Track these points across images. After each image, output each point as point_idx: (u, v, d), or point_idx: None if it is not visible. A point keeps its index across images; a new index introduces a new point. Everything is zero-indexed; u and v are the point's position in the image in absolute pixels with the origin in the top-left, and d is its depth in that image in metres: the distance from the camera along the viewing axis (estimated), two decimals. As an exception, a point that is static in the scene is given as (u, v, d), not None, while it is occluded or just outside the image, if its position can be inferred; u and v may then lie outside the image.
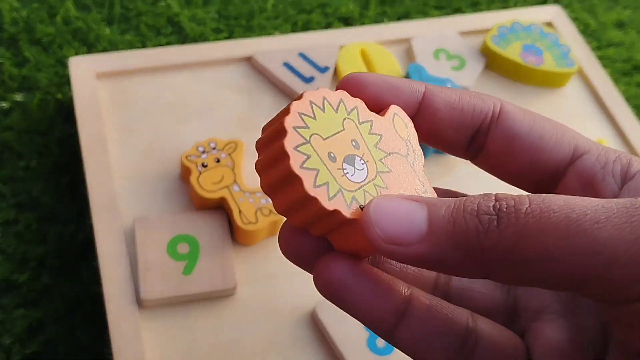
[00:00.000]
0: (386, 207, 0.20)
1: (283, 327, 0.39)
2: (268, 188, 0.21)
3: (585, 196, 0.19)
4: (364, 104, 0.23)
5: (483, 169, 0.26)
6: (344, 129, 0.22)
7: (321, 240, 0.22)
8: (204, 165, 0.42)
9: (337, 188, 0.20)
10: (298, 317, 0.39)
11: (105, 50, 0.52)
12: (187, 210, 0.42)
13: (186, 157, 0.42)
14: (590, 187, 0.23)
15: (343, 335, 0.38)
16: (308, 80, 0.49)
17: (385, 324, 0.22)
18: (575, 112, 0.52)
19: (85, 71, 0.46)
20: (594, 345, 0.22)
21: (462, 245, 0.19)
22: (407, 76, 0.50)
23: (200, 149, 0.42)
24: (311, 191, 0.20)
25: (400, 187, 0.22)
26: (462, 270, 0.20)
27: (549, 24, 0.57)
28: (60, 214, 0.44)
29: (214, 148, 0.43)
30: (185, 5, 0.57)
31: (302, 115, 0.21)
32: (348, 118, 0.22)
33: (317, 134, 0.21)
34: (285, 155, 0.20)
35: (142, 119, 0.46)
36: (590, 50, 0.56)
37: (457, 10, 0.63)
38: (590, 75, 0.54)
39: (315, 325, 0.39)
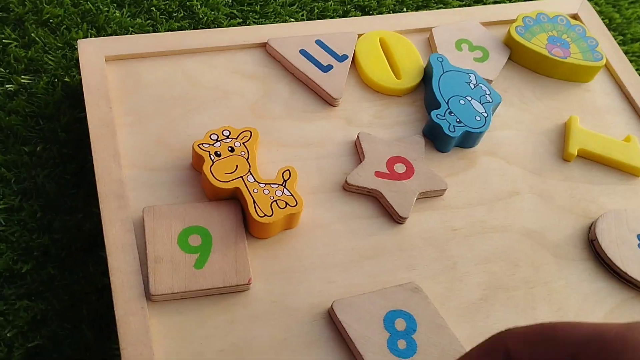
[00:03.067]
0: None
1: (298, 326, 0.37)
2: None
3: None
4: None
5: None
6: None
7: None
8: (217, 154, 0.40)
9: None
10: (314, 315, 0.37)
11: (115, 34, 0.50)
12: (198, 200, 0.40)
13: (199, 145, 0.40)
14: None
15: (362, 335, 0.36)
16: (326, 69, 0.47)
17: None
18: (601, 108, 0.50)
19: (94, 54, 0.44)
20: None
21: None
22: (428, 67, 0.48)
23: (214, 137, 0.40)
24: None
25: None
26: None
27: (575, 17, 0.55)
28: (65, 203, 0.42)
29: (227, 136, 0.41)
30: (198, -10, 0.55)
31: None
32: None
33: None
34: None
35: (153, 105, 0.44)
36: (616, 44, 0.54)
37: (478, 1, 0.61)
38: (618, 69, 0.52)
39: (333, 324, 0.37)
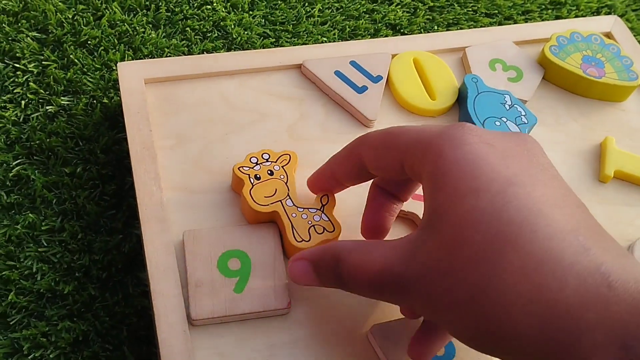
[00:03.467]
0: None
1: (337, 350, 0.37)
2: None
3: None
4: None
5: None
6: None
7: None
8: (257, 178, 0.40)
9: None
10: (353, 340, 0.37)
11: (151, 54, 0.51)
12: (237, 223, 0.41)
13: (239, 168, 0.40)
14: None
15: (402, 360, 0.36)
16: (361, 90, 0.47)
17: None
18: (637, 128, 0.50)
19: (134, 77, 0.45)
20: None
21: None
22: (463, 87, 0.48)
23: (253, 160, 0.41)
24: None
25: None
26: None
27: (608, 35, 0.55)
28: (105, 224, 0.43)
29: (267, 160, 0.41)
30: (232, 10, 0.55)
31: None
32: None
33: None
34: None
35: (191, 127, 0.44)
36: (651, 62, 0.54)
37: (508, 19, 0.61)
38: (653, 89, 0.52)
39: (371, 349, 0.37)
